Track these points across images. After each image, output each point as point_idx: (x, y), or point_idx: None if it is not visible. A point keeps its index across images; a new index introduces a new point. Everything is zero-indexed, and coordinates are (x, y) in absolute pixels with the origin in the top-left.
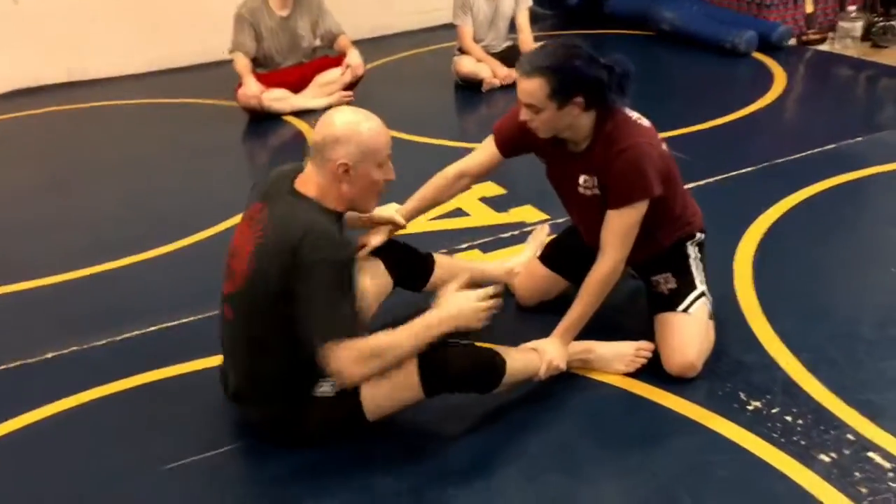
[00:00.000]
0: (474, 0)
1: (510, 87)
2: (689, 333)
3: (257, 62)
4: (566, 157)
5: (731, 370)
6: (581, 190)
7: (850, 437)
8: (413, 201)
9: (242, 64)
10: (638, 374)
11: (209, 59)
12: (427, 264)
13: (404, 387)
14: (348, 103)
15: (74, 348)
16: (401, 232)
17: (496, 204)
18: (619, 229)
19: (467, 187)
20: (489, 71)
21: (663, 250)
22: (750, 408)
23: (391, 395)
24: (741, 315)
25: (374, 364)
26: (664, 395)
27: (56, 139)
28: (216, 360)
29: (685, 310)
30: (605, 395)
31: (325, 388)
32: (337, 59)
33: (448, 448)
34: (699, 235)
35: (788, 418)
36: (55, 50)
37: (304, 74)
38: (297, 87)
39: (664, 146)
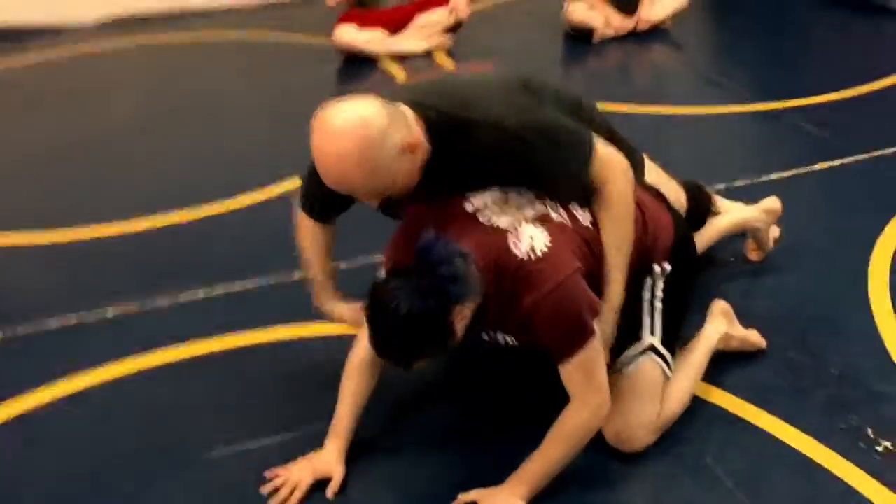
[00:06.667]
0: None
1: (624, 39)
2: (624, 398)
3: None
4: None
5: (857, 399)
6: (491, 339)
7: None
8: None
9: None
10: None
11: None
12: None
13: None
14: (447, 50)
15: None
16: None
17: None
18: (581, 378)
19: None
20: (602, 20)
21: None
22: (879, 448)
23: None
24: (876, 333)
25: None
26: (765, 417)
27: (145, 76)
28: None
29: (619, 369)
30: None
31: None
32: (442, 0)
33: None
34: (659, 269)
35: None
36: None
37: (404, 15)
38: (396, 27)
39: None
